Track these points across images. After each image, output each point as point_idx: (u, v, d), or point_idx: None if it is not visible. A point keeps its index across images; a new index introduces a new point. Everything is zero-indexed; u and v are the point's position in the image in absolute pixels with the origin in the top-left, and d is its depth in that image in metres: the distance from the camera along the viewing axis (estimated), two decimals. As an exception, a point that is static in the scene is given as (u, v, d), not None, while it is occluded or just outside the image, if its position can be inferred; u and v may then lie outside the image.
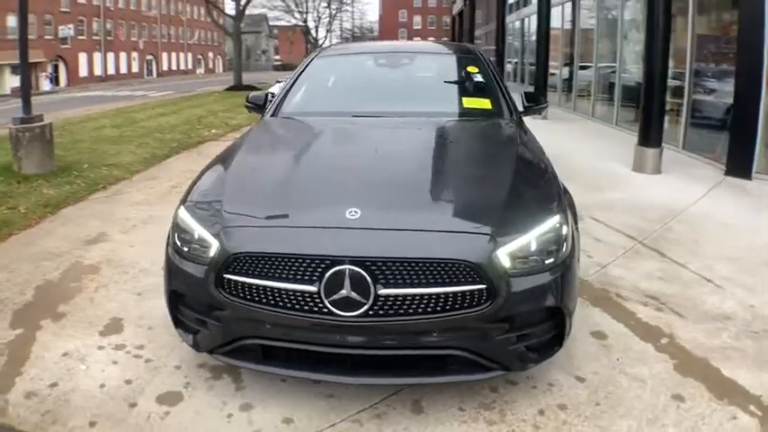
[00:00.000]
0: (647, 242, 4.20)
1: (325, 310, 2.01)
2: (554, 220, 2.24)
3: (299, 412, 2.29)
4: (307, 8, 46.00)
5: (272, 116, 3.57)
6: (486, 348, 2.13)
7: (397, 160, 2.70)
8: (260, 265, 2.08)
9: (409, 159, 2.72)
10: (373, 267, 2.00)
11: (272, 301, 2.09)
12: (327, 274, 1.99)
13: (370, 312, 2.00)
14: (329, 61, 4.20)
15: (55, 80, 41.32)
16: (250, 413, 2.30)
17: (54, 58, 41.37)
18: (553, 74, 13.64)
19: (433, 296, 2.02)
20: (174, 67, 59.39)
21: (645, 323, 3.01)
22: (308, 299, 2.04)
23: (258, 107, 3.73)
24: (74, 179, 6.22)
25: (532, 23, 14.77)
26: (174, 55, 59.75)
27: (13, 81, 30.28)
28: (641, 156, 6.34)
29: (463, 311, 2.03)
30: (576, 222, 2.68)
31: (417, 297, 2.02)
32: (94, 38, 46.63)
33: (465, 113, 3.42)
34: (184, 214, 2.40)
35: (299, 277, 2.04)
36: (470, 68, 3.73)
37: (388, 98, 3.59)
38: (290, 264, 2.05)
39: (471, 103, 3.49)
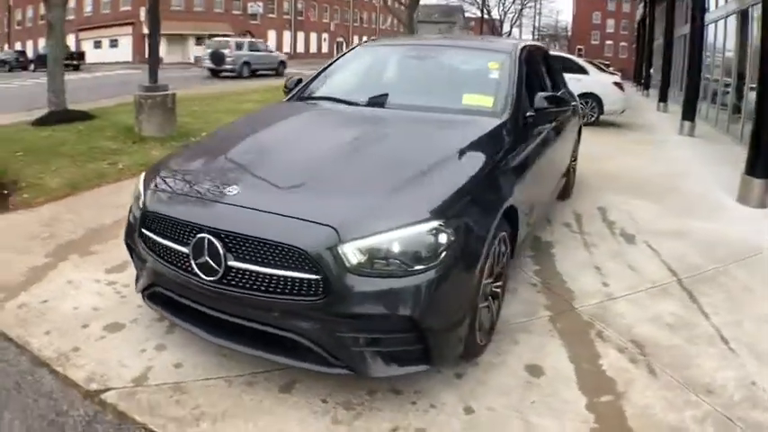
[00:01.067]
0: (685, 281, 3.63)
1: (193, 271, 2.23)
2: (426, 226, 2.12)
3: (192, 360, 2.55)
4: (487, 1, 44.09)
5: (287, 100, 3.84)
6: (327, 342, 2.13)
7: (326, 149, 2.70)
8: (159, 224, 2.41)
9: (337, 150, 2.69)
10: (226, 240, 2.16)
11: (165, 257, 2.39)
12: (194, 240, 2.21)
13: (224, 281, 2.17)
14: (364, 52, 4.29)
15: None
16: (159, 352, 2.63)
17: (243, 33, 46.06)
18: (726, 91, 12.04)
19: (274, 277, 2.10)
20: (365, 50, 62.52)
21: (601, 371, 2.61)
22: (184, 259, 2.28)
23: (290, 90, 3.98)
24: (186, 143, 7.10)
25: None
26: (365, 38, 62.83)
27: (197, 51, 33.97)
28: (747, 186, 5.39)
29: (298, 298, 2.08)
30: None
31: (261, 275, 2.11)
32: (285, 17, 50.97)
33: (461, 110, 3.29)
34: (142, 175, 2.79)
35: (178, 239, 2.31)
36: (491, 65, 3.61)
37: (394, 90, 3.59)
38: (174, 226, 2.33)
39: (471, 99, 3.36)
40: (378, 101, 3.42)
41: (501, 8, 45.12)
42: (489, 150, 2.84)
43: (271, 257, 2.09)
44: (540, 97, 3.42)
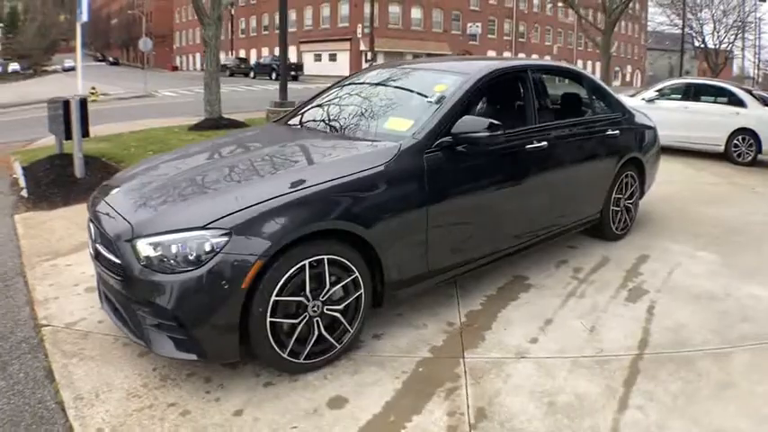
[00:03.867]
0: (646, 358, 2.79)
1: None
2: (196, 233, 2.34)
3: (110, 321, 2.86)
4: (700, 26, 36.87)
5: (273, 122, 4.22)
6: (132, 318, 2.50)
7: (222, 168, 2.97)
8: None
9: (207, 164, 3.06)
10: (96, 227, 2.73)
11: None
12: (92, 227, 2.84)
13: (97, 260, 2.73)
14: (357, 74, 4.27)
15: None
16: (99, 311, 3.08)
17: (461, 53, 47.39)
18: None
19: (107, 259, 2.59)
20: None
21: (399, 427, 2.25)
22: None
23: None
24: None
25: None
26: (589, 63, 60.41)
27: None
28: None
29: (116, 278, 2.52)
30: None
31: (105, 257, 2.62)
32: (505, 38, 50.92)
33: (377, 133, 3.16)
34: None
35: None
36: (437, 88, 3.36)
37: (335, 113, 3.67)
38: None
39: (394, 123, 3.21)
40: (310, 125, 3.62)
41: (715, 37, 36.94)
42: (336, 173, 2.70)
43: (108, 243, 2.58)
44: (466, 122, 3.02)
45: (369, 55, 32.29)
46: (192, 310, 2.31)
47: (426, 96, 3.35)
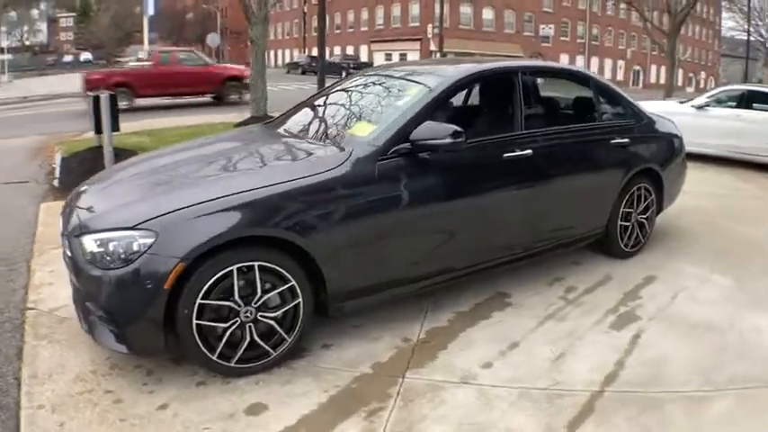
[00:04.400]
0: (606, 396, 2.49)
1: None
2: (125, 233, 2.40)
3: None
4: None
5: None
6: (82, 308, 2.59)
7: (177, 169, 2.98)
8: None
9: (182, 170, 2.97)
10: (70, 225, 2.77)
11: None
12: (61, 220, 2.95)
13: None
14: (348, 78, 4.16)
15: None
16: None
17: (533, 55, 46.04)
18: None
19: (66, 251, 2.72)
20: (661, 81, 56.87)
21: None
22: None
23: None
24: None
25: None
26: (662, 68, 57.14)
27: None
28: None
29: (71, 269, 2.65)
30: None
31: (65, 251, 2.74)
32: (578, 41, 49.05)
33: (343, 139, 3.06)
34: None
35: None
36: (409, 91, 3.22)
37: (311, 119, 3.64)
38: None
39: (357, 128, 3.12)
40: (281, 129, 3.56)
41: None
42: (276, 178, 2.65)
43: (67, 236, 2.69)
44: (427, 128, 2.84)
45: (438, 55, 31.98)
46: (121, 306, 2.40)
47: (400, 100, 3.19)
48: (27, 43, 63.26)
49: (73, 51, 58.96)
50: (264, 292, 2.53)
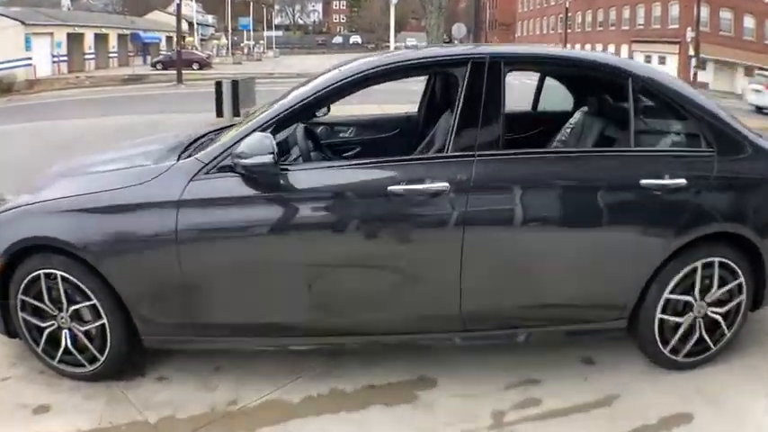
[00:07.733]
0: None
1: None
2: None
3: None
4: None
5: None
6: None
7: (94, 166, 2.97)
8: None
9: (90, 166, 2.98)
10: None
11: None
12: None
13: None
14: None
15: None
16: None
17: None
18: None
19: None
20: None
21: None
22: None
23: None
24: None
25: None
26: None
27: (744, 82, 28.28)
28: None
29: None
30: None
31: None
32: None
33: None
34: None
35: None
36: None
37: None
38: None
39: (226, 136, 2.67)
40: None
41: None
42: (80, 188, 2.56)
43: None
44: (251, 142, 2.23)
45: (694, 62, 27.32)
46: None
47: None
48: (300, 22, 70.21)
49: (344, 33, 64.08)
50: (53, 301, 2.49)
